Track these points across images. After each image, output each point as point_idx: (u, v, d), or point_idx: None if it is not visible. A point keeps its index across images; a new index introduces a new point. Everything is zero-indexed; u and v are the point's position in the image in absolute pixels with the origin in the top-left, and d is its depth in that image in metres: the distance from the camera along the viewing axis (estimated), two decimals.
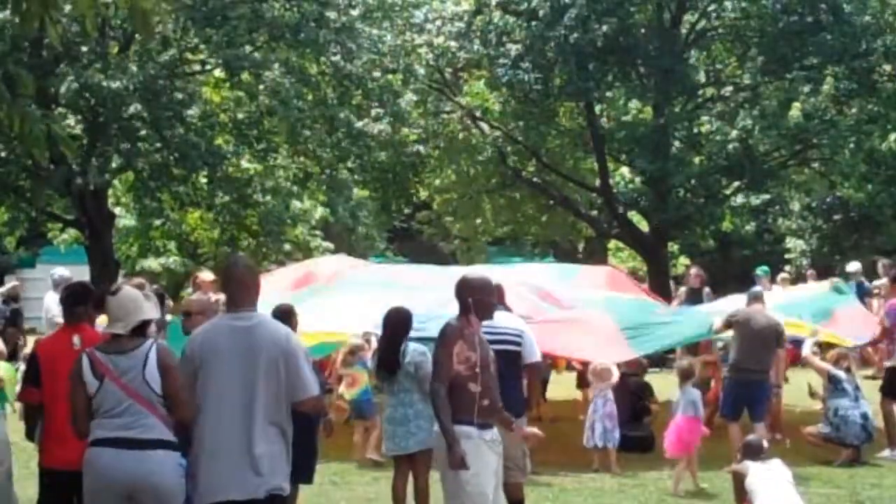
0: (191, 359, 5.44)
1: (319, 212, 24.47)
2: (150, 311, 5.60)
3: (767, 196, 27.57)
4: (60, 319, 8.47)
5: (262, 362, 5.31)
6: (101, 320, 7.96)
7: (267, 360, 5.32)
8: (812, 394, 12.12)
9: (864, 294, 16.56)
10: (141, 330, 5.51)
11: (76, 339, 6.13)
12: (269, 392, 5.32)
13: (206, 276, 15.16)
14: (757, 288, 12.04)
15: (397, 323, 8.28)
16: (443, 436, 6.13)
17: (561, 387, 14.65)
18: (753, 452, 8.00)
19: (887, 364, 11.86)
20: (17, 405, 12.39)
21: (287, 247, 23.53)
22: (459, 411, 6.15)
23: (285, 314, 7.45)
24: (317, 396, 5.59)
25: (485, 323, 6.97)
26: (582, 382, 12.79)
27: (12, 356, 14.73)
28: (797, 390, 13.18)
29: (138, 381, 5.36)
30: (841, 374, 11.38)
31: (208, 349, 5.40)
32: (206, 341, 5.45)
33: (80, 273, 17.98)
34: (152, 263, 22.88)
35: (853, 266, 17.75)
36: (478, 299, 6.35)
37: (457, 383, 6.16)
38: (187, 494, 5.45)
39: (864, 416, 11.20)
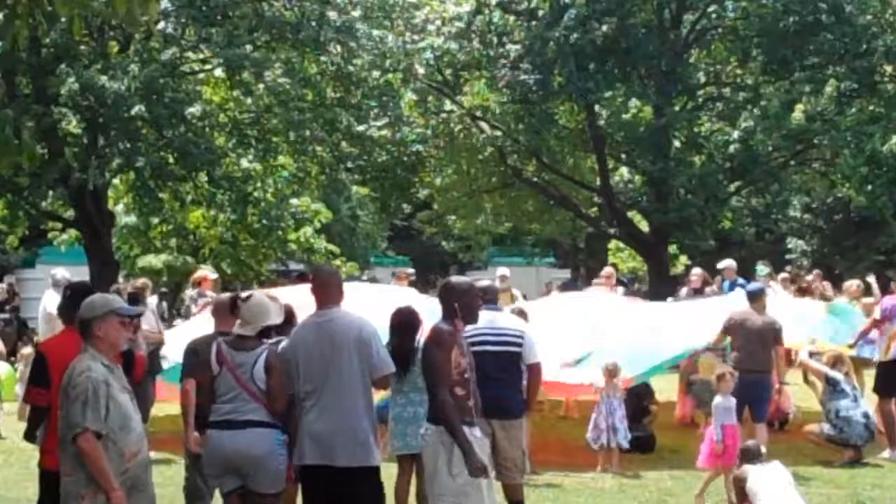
0: (287, 356, 6.44)
1: (323, 212, 24.32)
2: (276, 316, 6.66)
3: (768, 198, 27.54)
4: (54, 311, 9.08)
5: (341, 349, 6.29)
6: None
7: (344, 348, 6.29)
8: (808, 381, 12.07)
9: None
10: (264, 332, 6.56)
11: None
12: (352, 374, 6.28)
13: (208, 274, 15.19)
14: (757, 286, 11.84)
15: (409, 322, 8.23)
16: (457, 444, 6.07)
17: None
18: (752, 457, 7.97)
19: (881, 360, 11.80)
20: (15, 405, 12.44)
21: (291, 246, 23.44)
22: None
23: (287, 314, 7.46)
24: (390, 374, 6.54)
25: (486, 323, 6.95)
26: None
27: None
28: (799, 390, 13.17)
29: (247, 375, 6.38)
30: (839, 375, 11.37)
31: (300, 346, 6.41)
32: (297, 340, 6.48)
33: (80, 273, 17.97)
34: (153, 260, 22.78)
35: (725, 263, 17.12)
36: (464, 303, 6.36)
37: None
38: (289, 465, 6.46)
39: (866, 416, 11.21)
